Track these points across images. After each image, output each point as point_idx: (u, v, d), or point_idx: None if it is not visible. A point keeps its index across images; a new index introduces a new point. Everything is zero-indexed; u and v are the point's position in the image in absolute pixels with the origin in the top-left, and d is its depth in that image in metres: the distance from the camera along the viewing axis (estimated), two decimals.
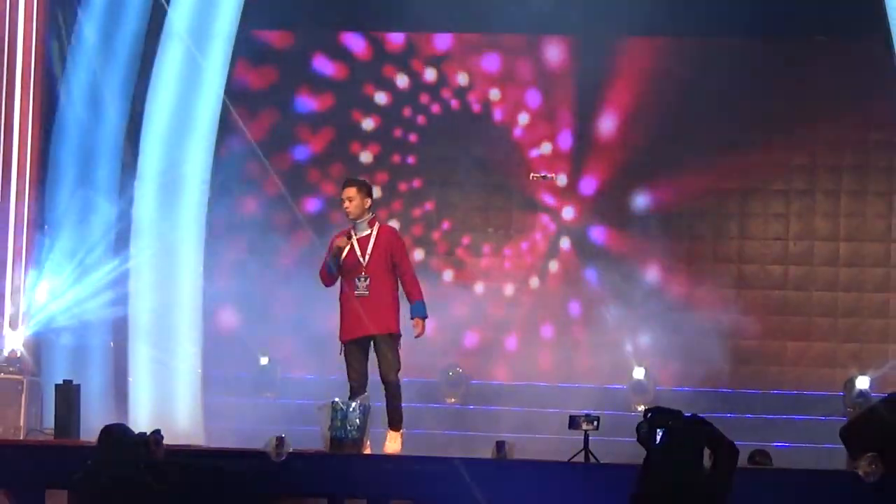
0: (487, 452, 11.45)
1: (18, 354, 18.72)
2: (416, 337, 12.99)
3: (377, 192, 17.03)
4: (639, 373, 19.43)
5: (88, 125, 19.46)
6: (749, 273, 20.28)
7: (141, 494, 10.05)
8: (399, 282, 13.13)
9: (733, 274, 20.14)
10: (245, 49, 20.03)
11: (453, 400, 19.20)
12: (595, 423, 10.52)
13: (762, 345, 19.82)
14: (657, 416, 8.65)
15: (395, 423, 12.84)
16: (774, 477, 11.95)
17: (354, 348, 13.10)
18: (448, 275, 20.53)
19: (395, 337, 12.96)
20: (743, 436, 16.72)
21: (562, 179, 20.43)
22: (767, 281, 20.20)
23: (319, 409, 12.23)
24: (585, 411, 10.63)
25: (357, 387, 12.95)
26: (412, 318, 12.98)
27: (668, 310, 19.83)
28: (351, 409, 11.79)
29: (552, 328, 20.37)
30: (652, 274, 20.18)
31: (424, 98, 20.96)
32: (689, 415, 8.62)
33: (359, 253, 12.89)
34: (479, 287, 20.57)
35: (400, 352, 13.09)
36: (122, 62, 19.63)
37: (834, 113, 19.95)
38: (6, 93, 19.33)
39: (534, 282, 20.66)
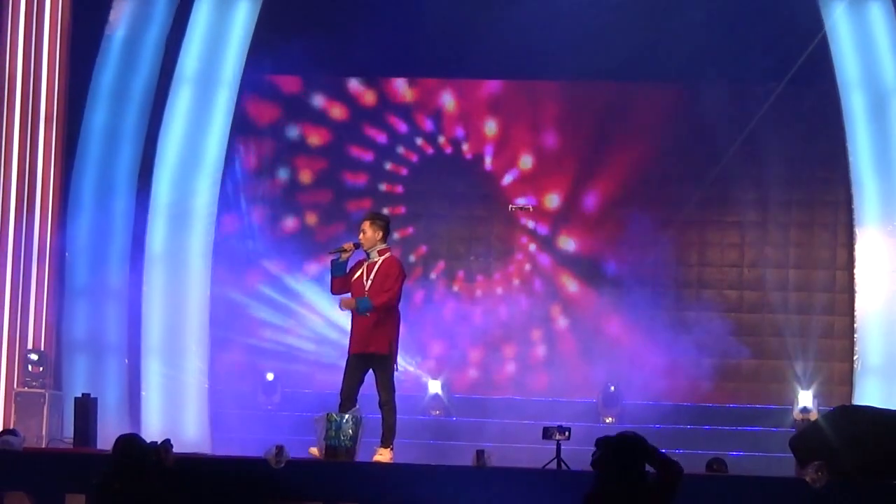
0: (468, 460, 11.46)
1: (41, 370, 18.78)
2: (340, 304, 13.07)
3: None
4: (611, 388, 19.46)
5: (106, 161, 19.57)
6: (707, 297, 20.31)
7: (152, 499, 10.07)
8: (398, 306, 13.08)
9: (693, 298, 20.18)
10: (253, 90, 20.20)
11: (437, 412, 19.23)
12: (567, 433, 10.56)
13: (720, 363, 19.81)
14: (604, 448, 8.47)
15: (385, 440, 12.68)
16: (730, 483, 11.93)
17: (354, 362, 13.04)
18: (435, 299, 20.58)
19: (385, 358, 12.84)
20: (701, 445, 16.96)
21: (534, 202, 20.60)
22: (724, 304, 20.24)
23: (316, 420, 12.24)
24: (558, 423, 10.64)
25: (344, 399, 12.89)
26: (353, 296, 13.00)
27: (634, 331, 19.89)
28: (344, 421, 11.80)
29: (528, 347, 20.41)
30: (619, 298, 20.21)
31: (416, 140, 21.12)
32: (631, 438, 8.49)
33: (365, 277, 12.92)
34: (462, 310, 20.60)
35: (396, 373, 13.02)
36: (136, 103, 19.74)
37: (785, 152, 20.02)
38: (31, 132, 19.42)
39: (511, 306, 20.68)
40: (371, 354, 12.87)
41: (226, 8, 19.88)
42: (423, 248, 20.75)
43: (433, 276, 20.72)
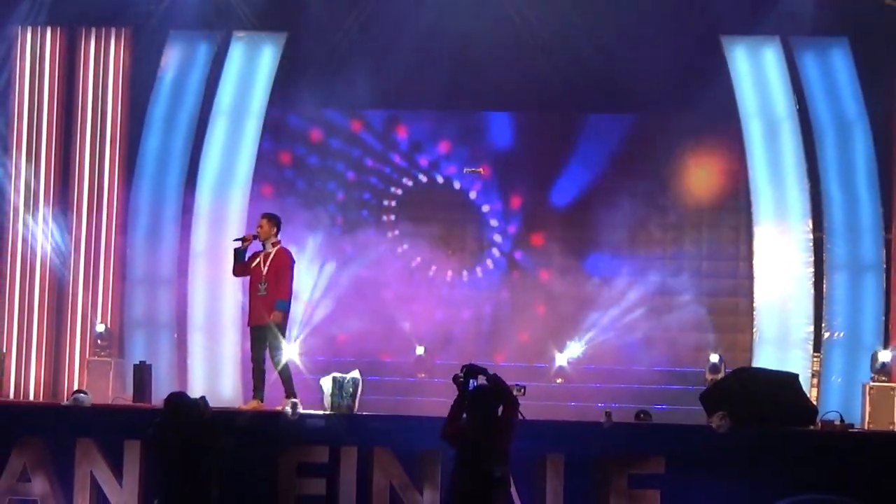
0: (445, 412, 11.42)
1: (107, 343, 18.80)
2: (271, 320, 12.98)
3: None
4: (561, 358, 19.52)
5: (158, 177, 19.67)
6: (638, 283, 20.22)
7: (194, 442, 10.07)
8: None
9: (626, 284, 20.12)
10: (275, 119, 20.28)
11: (423, 375, 19.17)
12: (523, 390, 10.48)
13: (647, 334, 19.82)
14: (471, 369, 9.53)
15: (288, 392, 12.84)
16: (653, 429, 12.07)
17: (255, 334, 13.20)
18: (419, 285, 20.56)
19: (280, 326, 12.99)
20: (632, 400, 16.90)
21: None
22: (652, 288, 20.22)
23: (322, 381, 12.19)
24: (517, 382, 10.61)
25: (257, 364, 13.24)
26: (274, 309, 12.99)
27: (580, 310, 19.90)
28: (346, 382, 11.76)
29: (494, 323, 20.40)
30: (568, 284, 20.20)
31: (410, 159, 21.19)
32: (491, 374, 9.56)
33: (262, 265, 13.00)
34: (443, 293, 20.58)
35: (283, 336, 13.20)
36: (182, 131, 19.79)
37: (699, 168, 20.04)
38: (99, 153, 19.55)
39: (481, 290, 20.67)
40: (268, 325, 12.92)
41: (253, 54, 19.89)
42: (416, 247, 20.74)
43: (419, 267, 20.67)
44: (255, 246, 13.32)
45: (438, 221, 20.80)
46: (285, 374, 13.01)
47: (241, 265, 13.21)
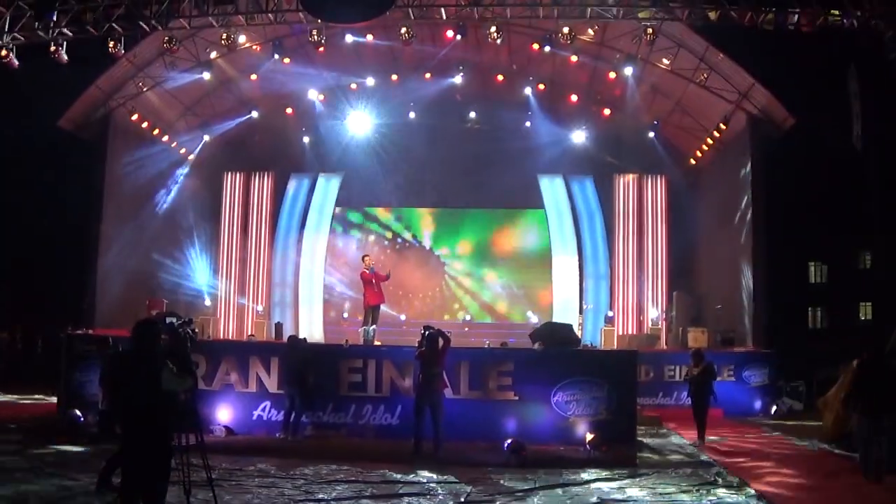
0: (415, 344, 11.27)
1: (263, 313, 18.52)
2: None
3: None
4: (465, 316, 19.38)
5: (286, 237, 19.60)
6: (497, 295, 20.06)
7: (301, 358, 9.96)
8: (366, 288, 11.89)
9: (500, 289, 19.97)
10: (340, 213, 19.92)
11: (404, 326, 18.69)
12: (451, 333, 10.37)
13: (505, 310, 19.67)
14: (429, 329, 9.32)
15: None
16: (509, 350, 11.98)
17: (373, 311, 12.06)
18: (397, 294, 20.28)
19: (366, 306, 11.86)
20: (499, 337, 16.44)
21: None
22: (500, 288, 19.96)
23: (361, 330, 11.92)
24: (448, 330, 10.49)
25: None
26: None
27: (479, 300, 19.68)
28: (370, 329, 11.52)
29: (440, 303, 20.05)
30: (481, 293, 20.02)
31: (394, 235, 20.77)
32: (437, 330, 9.28)
33: (372, 277, 11.91)
34: (413, 297, 20.26)
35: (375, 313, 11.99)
36: (297, 217, 19.74)
37: (526, 235, 19.80)
38: (259, 228, 19.27)
39: (433, 298, 20.35)
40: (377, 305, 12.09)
41: (328, 183, 19.83)
42: (405, 269, 20.20)
43: (406, 277, 20.23)
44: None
45: (414, 258, 20.41)
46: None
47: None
